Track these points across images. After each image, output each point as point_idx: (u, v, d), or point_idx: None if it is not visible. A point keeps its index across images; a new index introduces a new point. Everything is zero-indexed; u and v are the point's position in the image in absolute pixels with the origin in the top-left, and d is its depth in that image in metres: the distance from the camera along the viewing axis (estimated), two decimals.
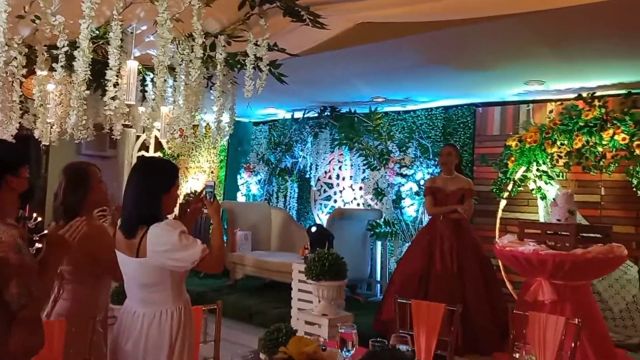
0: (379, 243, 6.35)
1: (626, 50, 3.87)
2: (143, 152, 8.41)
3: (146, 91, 3.24)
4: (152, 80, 3.13)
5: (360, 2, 2.97)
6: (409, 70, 4.76)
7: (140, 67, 2.93)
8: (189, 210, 2.45)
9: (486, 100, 5.79)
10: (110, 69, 2.37)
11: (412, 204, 5.93)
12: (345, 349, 1.96)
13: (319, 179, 7.33)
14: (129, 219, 2.13)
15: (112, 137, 3.16)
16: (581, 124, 4.67)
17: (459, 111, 6.04)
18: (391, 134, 6.25)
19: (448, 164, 4.59)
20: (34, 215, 4.49)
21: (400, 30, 3.52)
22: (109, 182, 2.63)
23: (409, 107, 6.38)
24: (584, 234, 3.96)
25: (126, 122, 3.40)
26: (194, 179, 8.13)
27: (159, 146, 8.34)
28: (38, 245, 2.46)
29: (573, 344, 2.63)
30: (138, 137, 8.19)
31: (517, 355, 1.79)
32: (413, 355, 1.72)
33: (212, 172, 8.11)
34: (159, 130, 3.70)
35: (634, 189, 4.54)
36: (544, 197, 5.08)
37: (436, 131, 6.14)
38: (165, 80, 2.56)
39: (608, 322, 4.60)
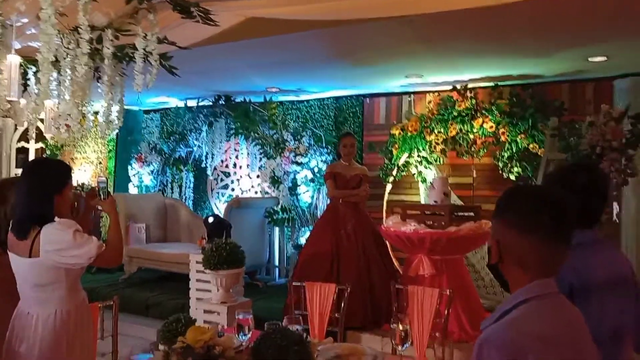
0: (276, 229, 6.52)
1: (492, 48, 4.34)
2: (23, 144, 7.84)
3: (28, 85, 3.10)
4: (34, 73, 3.00)
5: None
6: (300, 62, 4.94)
7: (22, 61, 2.80)
8: (76, 204, 2.43)
9: (373, 91, 6.15)
10: None
11: (307, 191, 6.17)
12: (242, 334, 2.11)
13: (215, 168, 7.33)
14: (20, 219, 2.10)
15: None
16: (455, 113, 5.17)
17: (348, 101, 6.36)
18: (286, 123, 6.42)
19: (352, 153, 4.87)
20: None
21: (289, 27, 3.67)
22: None
23: (303, 97, 6.58)
24: (458, 213, 4.43)
25: (6, 115, 3.23)
26: (81, 171, 7.74)
27: (40, 137, 7.81)
28: None
29: (446, 311, 3.00)
30: (16, 128, 7.61)
31: (393, 326, 2.05)
32: (304, 333, 1.90)
33: (100, 164, 7.77)
34: (42, 121, 3.54)
35: (500, 171, 5.12)
36: (424, 181, 5.56)
37: (328, 120, 6.41)
38: (49, 75, 2.50)
39: (480, 290, 5.18)
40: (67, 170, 2.26)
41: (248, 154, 7.01)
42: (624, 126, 3.59)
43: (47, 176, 2.17)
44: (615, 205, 4.59)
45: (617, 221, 4.62)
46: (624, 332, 1.68)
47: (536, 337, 1.15)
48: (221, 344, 1.46)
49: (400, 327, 2.02)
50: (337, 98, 6.41)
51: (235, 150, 7.21)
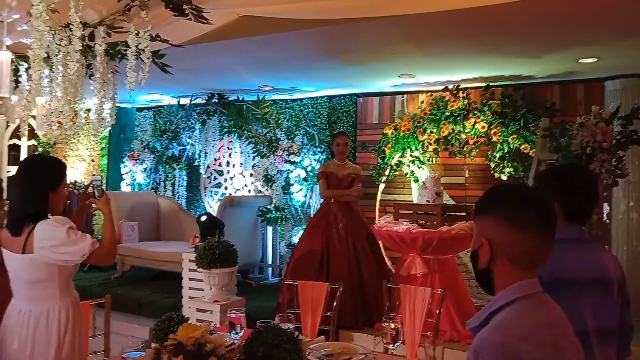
0: (269, 228, 6.52)
1: (483, 49, 4.36)
2: (15, 141, 7.79)
3: (20, 81, 3.08)
4: (26, 70, 2.99)
5: None
6: (293, 61, 4.94)
7: (13, 57, 2.78)
8: (69, 202, 2.45)
9: (366, 90, 6.16)
10: None
11: (300, 190, 6.17)
12: (234, 332, 2.11)
13: (208, 167, 7.31)
14: (15, 216, 2.11)
15: None
16: (447, 113, 5.19)
17: (342, 100, 6.37)
18: (279, 122, 6.41)
19: (346, 152, 4.89)
20: None
21: (282, 25, 3.67)
22: None
23: (296, 96, 6.58)
24: (450, 213, 4.45)
25: None
26: (74, 169, 7.69)
27: (32, 134, 7.76)
28: None
29: (437, 310, 3.01)
30: (8, 125, 7.56)
31: (384, 325, 2.06)
32: (296, 332, 1.90)
33: (92, 161, 7.73)
34: (34, 117, 3.52)
35: (492, 171, 5.14)
36: (416, 180, 5.59)
37: (322, 119, 6.42)
38: (41, 72, 2.48)
39: (472, 289, 5.19)
40: (62, 168, 2.27)
41: (241, 152, 7.00)
42: (614, 127, 3.62)
43: (43, 173, 2.17)
44: (605, 206, 4.62)
45: (608, 221, 4.65)
46: (603, 332, 1.68)
47: (526, 338, 1.14)
48: (212, 342, 1.46)
49: (392, 325, 2.03)
50: (330, 97, 6.42)
51: (228, 148, 7.20)
